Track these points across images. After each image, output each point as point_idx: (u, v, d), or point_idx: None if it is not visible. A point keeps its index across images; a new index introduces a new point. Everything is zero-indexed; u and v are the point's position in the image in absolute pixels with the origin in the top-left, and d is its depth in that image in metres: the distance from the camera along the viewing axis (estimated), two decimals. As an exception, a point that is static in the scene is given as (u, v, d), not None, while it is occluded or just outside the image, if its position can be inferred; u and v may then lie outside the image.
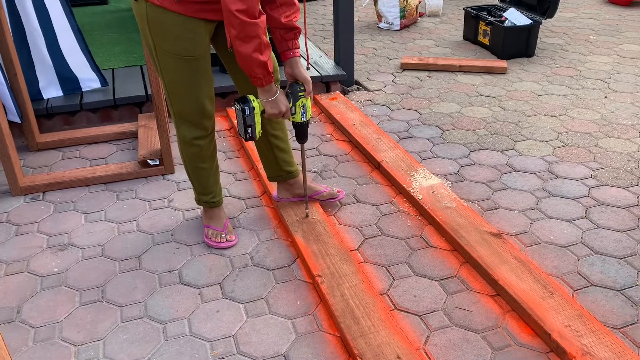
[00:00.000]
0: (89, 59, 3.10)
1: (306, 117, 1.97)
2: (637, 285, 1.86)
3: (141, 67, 3.53)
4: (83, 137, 2.94)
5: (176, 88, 1.85)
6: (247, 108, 1.84)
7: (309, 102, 1.95)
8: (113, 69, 3.49)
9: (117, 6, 5.16)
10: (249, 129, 1.88)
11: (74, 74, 3.10)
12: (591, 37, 4.38)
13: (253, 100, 1.85)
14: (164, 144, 2.57)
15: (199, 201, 2.18)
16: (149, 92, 3.16)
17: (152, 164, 2.62)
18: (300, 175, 2.27)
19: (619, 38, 4.31)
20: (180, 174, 2.63)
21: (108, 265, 2.04)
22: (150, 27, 1.75)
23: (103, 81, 3.18)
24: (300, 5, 1.94)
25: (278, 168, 2.22)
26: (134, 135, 3.00)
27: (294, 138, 2.04)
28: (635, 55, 3.95)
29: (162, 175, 2.64)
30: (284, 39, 1.88)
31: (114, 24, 4.55)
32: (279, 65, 3.10)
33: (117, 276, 1.99)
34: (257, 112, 1.86)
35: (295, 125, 2.01)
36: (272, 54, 1.81)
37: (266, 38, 1.70)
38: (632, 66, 3.75)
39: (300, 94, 1.91)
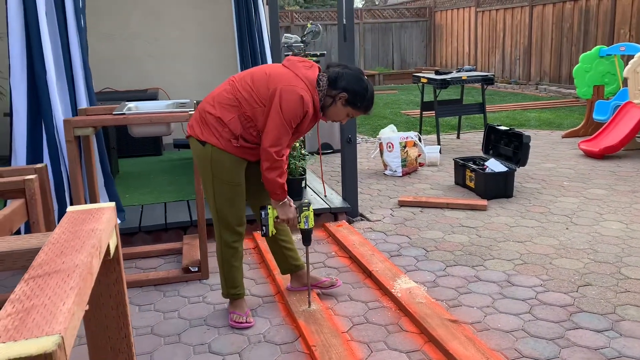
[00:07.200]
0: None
1: (308, 226, 2.73)
2: (558, 357, 2.40)
3: (187, 201, 4.41)
4: (139, 252, 3.72)
5: (224, 204, 2.68)
6: (263, 212, 2.70)
7: (311, 214, 2.72)
8: (165, 202, 4.38)
9: (169, 157, 6.27)
10: (264, 228, 2.70)
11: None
12: (564, 183, 5.16)
13: (270, 208, 2.70)
14: (203, 255, 3.32)
15: (227, 294, 2.86)
16: (194, 218, 3.98)
17: (193, 270, 3.35)
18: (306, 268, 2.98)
19: (587, 184, 5.08)
20: (213, 279, 3.34)
21: (156, 340, 2.69)
22: (212, 164, 2.61)
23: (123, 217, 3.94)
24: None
25: (287, 262, 2.97)
26: (179, 252, 3.77)
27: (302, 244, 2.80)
28: (598, 197, 4.67)
29: (199, 280, 3.35)
30: None
31: (167, 170, 5.58)
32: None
33: (162, 347, 2.62)
34: (271, 216, 2.70)
35: (301, 231, 2.76)
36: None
37: (286, 169, 2.57)
38: (594, 206, 4.46)
39: (304, 208, 2.70)
